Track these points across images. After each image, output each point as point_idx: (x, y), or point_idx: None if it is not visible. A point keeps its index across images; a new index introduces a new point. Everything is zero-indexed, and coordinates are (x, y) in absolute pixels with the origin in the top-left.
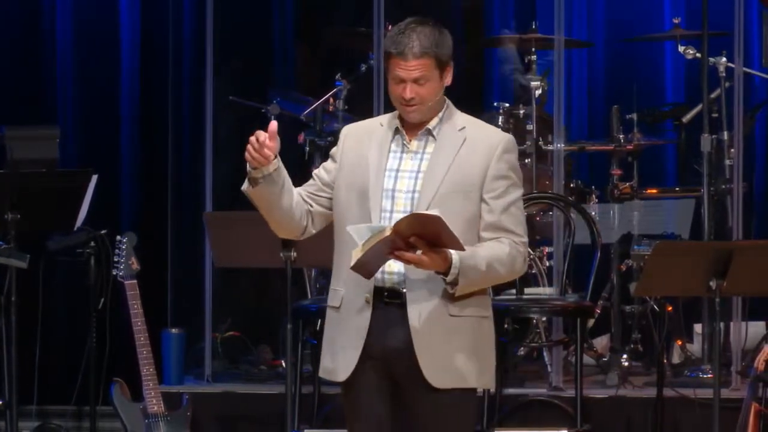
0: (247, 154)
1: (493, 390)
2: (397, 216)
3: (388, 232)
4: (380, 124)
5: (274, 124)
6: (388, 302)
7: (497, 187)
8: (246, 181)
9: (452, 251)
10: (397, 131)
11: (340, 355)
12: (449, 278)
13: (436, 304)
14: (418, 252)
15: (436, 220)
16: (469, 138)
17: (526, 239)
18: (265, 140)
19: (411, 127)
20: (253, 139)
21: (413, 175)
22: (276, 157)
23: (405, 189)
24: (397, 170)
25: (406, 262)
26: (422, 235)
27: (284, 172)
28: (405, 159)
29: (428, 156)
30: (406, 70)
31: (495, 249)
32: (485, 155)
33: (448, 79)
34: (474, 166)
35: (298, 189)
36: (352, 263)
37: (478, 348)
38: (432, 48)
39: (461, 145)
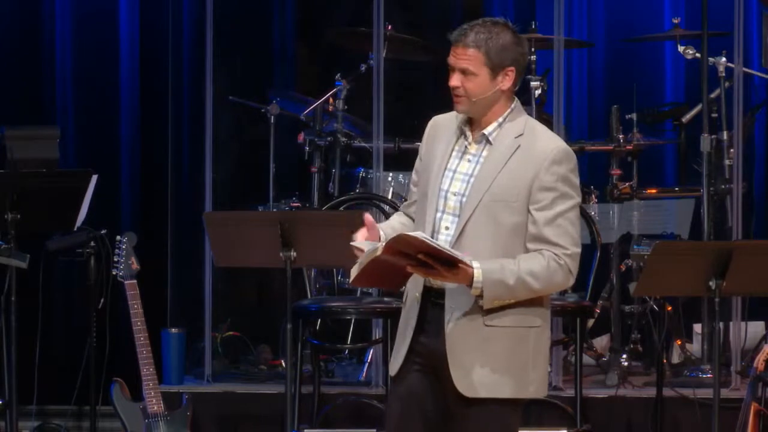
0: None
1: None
2: (448, 217)
3: (379, 252)
4: (455, 118)
5: (368, 218)
6: (435, 302)
7: (542, 198)
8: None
9: (477, 265)
10: (463, 132)
11: (396, 351)
12: (473, 292)
13: (473, 313)
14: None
15: (416, 240)
16: (523, 146)
17: (572, 251)
18: (361, 243)
19: (475, 129)
20: (357, 248)
21: (466, 178)
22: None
23: (457, 191)
24: (455, 171)
25: (424, 275)
26: (430, 254)
27: (391, 234)
28: (463, 161)
29: (483, 161)
30: (455, 58)
31: (530, 263)
32: (534, 166)
33: (506, 84)
34: (521, 176)
35: (404, 209)
36: (351, 278)
37: (519, 358)
38: (484, 43)
39: (513, 153)
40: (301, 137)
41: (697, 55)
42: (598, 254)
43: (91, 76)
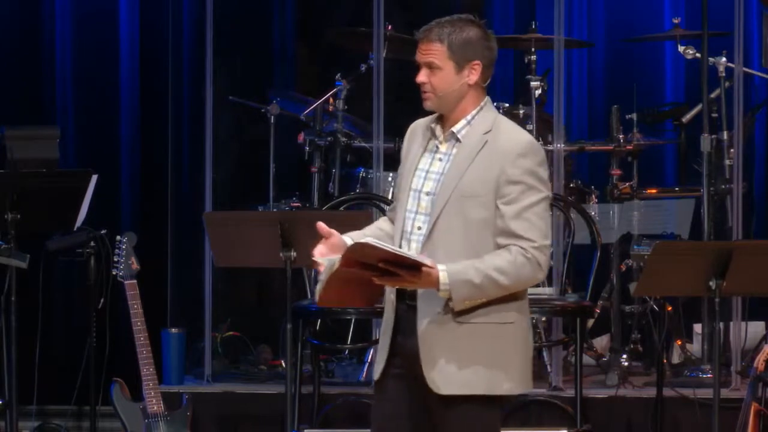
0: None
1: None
2: (420, 217)
3: (337, 265)
4: (430, 121)
5: (321, 226)
6: (409, 304)
7: (509, 192)
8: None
9: (442, 267)
10: (433, 131)
11: (378, 355)
12: (442, 294)
13: (445, 312)
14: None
15: (372, 248)
16: (490, 142)
17: (540, 243)
18: (322, 255)
19: (445, 128)
20: (317, 262)
21: (437, 177)
22: (345, 246)
23: (429, 191)
24: (427, 171)
25: (391, 285)
26: (389, 260)
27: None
28: (435, 160)
29: (452, 158)
30: (420, 53)
31: (496, 259)
32: (500, 160)
33: (472, 78)
34: (489, 171)
35: (389, 213)
36: (316, 298)
37: (492, 355)
38: (447, 36)
39: (480, 149)
40: (301, 137)
41: (697, 55)
42: (598, 254)
43: (91, 76)
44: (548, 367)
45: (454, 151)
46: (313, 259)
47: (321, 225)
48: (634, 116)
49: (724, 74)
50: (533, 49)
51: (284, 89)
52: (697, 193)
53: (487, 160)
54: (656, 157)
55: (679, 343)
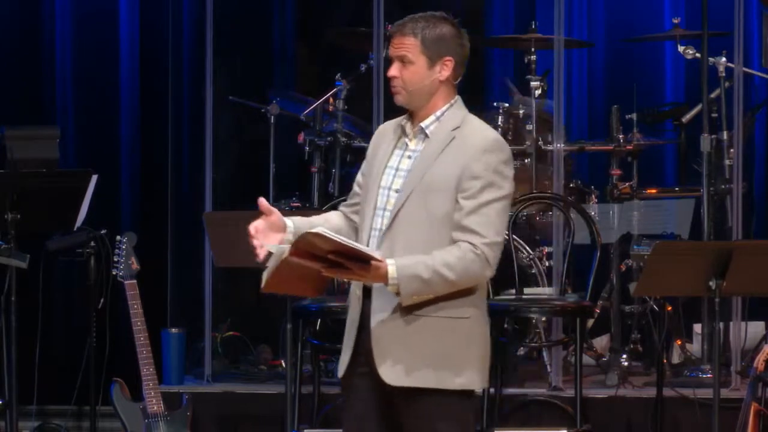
0: (256, 250)
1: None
2: (388, 214)
3: (286, 254)
4: (400, 120)
5: (262, 202)
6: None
7: (470, 187)
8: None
9: (391, 261)
10: (403, 128)
11: (342, 352)
12: (390, 289)
13: (398, 307)
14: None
15: (319, 236)
16: (458, 138)
17: (491, 240)
18: (258, 230)
19: (414, 124)
20: (251, 234)
21: (405, 173)
22: (285, 227)
23: (398, 188)
24: (396, 168)
25: (340, 277)
26: (339, 252)
27: (304, 225)
28: (404, 158)
29: (419, 154)
30: (393, 47)
31: (445, 255)
32: (466, 155)
33: (444, 74)
34: (453, 165)
35: (343, 207)
36: (262, 285)
37: (445, 349)
38: (420, 31)
39: (447, 145)
40: (301, 137)
41: (697, 55)
42: (598, 254)
43: (91, 76)
44: (548, 367)
45: (422, 146)
46: (253, 241)
47: (262, 200)
48: (634, 116)
49: (724, 74)
50: (533, 49)
51: (284, 89)
52: (697, 193)
53: (454, 156)
54: (656, 157)
55: (679, 343)
